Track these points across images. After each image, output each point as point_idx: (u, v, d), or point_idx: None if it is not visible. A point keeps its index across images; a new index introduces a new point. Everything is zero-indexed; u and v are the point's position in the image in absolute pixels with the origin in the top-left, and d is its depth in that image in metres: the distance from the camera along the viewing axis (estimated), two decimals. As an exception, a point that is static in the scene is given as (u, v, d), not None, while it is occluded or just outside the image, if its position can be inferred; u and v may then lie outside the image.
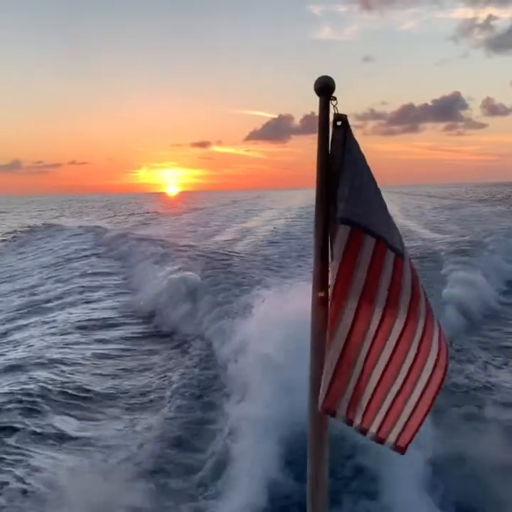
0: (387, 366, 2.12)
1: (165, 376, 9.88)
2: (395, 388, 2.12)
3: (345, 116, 2.14)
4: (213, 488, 6.06)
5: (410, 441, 2.17)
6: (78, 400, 8.73)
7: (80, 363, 10.39)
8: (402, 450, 2.16)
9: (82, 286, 18.42)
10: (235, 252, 23.47)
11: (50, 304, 15.98)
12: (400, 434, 2.14)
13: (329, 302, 2.07)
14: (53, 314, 14.57)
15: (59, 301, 16.24)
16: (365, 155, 2.16)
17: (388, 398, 2.12)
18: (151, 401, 8.77)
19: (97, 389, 9.23)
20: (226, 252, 22.92)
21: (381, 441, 2.15)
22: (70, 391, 9.03)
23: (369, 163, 2.17)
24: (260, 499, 5.55)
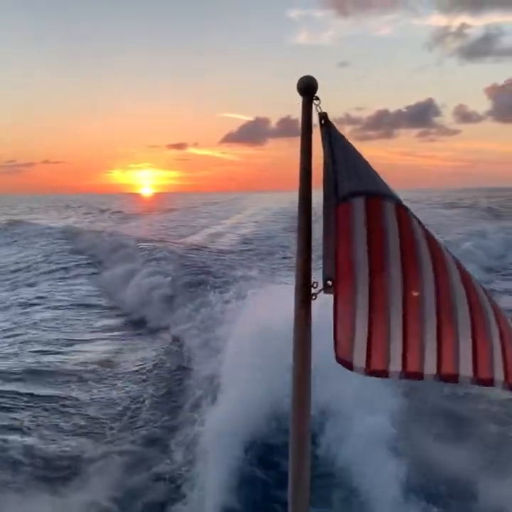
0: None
1: (139, 377, 9.82)
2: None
3: (325, 113, 2.14)
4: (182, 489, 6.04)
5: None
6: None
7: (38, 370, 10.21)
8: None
9: (50, 285, 18.26)
10: (208, 251, 23.47)
11: (16, 304, 15.77)
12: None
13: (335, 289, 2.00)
14: (18, 315, 14.34)
15: (23, 302, 16.02)
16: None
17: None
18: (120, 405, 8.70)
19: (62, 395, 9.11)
20: (198, 252, 22.89)
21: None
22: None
23: None
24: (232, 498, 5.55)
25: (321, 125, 2.14)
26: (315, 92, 2.14)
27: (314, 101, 2.14)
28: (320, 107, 2.14)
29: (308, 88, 2.13)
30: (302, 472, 2.13)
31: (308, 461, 2.14)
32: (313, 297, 2.12)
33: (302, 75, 2.16)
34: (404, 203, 2.08)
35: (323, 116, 2.14)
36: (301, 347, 2.11)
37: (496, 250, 23.69)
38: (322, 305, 2.10)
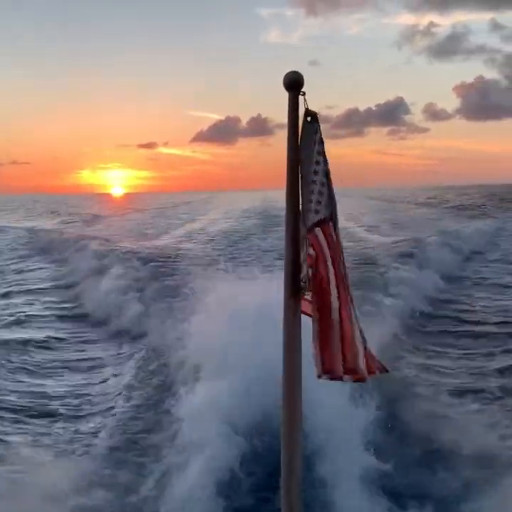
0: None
1: (112, 377, 9.76)
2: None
3: (316, 113, 2.14)
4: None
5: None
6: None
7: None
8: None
9: (18, 292, 17.93)
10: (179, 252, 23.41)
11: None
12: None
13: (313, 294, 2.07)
14: None
15: None
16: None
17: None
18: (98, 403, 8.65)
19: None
20: (169, 253, 22.78)
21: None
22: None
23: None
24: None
25: (306, 122, 2.13)
26: (301, 88, 2.14)
27: (300, 96, 2.13)
28: (307, 103, 2.14)
29: (294, 83, 2.14)
30: (294, 463, 2.15)
31: (301, 450, 2.17)
32: (303, 292, 2.14)
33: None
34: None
35: (311, 113, 2.13)
36: (292, 339, 2.14)
37: (465, 250, 24.05)
38: None
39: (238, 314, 7.75)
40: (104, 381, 9.79)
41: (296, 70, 2.16)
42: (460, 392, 8.77)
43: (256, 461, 5.97)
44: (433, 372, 9.78)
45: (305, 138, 2.14)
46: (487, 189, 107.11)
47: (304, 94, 2.14)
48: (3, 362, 10.57)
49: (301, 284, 2.13)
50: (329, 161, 2.13)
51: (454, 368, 10.03)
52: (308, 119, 2.13)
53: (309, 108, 2.13)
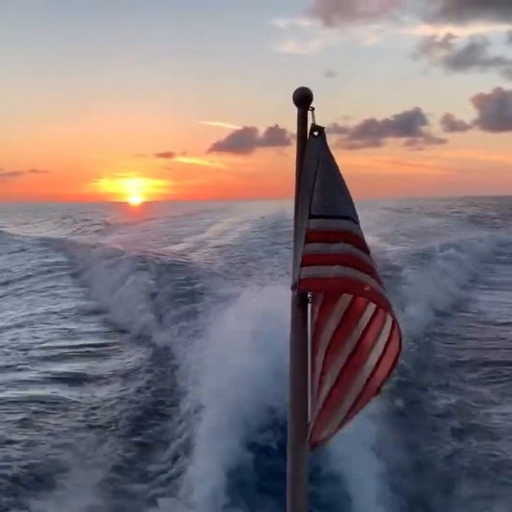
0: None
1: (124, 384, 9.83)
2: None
3: (323, 128, 2.19)
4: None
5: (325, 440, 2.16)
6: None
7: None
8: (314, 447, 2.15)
9: (43, 300, 18.00)
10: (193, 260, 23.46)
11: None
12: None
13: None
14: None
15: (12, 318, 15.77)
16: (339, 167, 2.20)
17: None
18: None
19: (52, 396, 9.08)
20: (185, 260, 22.83)
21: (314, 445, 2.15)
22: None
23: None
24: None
25: (313, 137, 2.19)
26: (310, 103, 2.20)
27: (309, 111, 2.20)
28: (314, 118, 2.19)
29: (303, 99, 2.19)
30: (300, 467, 2.20)
31: (306, 456, 2.21)
32: (310, 300, 2.20)
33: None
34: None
35: (317, 128, 2.19)
36: (298, 346, 2.20)
37: (480, 258, 23.88)
38: None
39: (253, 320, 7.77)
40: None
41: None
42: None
43: (262, 458, 6.10)
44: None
45: (310, 152, 2.20)
46: (503, 200, 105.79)
47: (312, 109, 2.20)
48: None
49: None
50: (343, 170, 2.18)
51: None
52: (315, 134, 2.19)
53: (316, 121, 2.18)
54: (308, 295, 2.18)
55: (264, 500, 5.82)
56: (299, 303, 2.20)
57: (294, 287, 2.15)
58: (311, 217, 2.13)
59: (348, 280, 2.03)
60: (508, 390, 9.21)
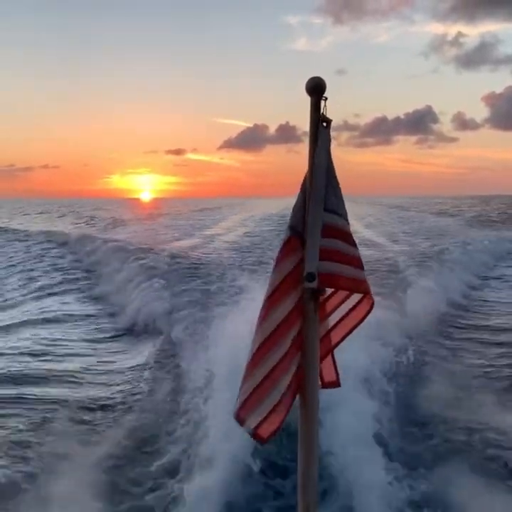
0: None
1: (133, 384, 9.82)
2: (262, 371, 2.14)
3: (331, 120, 2.19)
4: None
5: (273, 433, 2.16)
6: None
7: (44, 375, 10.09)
8: (261, 439, 2.15)
9: (41, 291, 18.10)
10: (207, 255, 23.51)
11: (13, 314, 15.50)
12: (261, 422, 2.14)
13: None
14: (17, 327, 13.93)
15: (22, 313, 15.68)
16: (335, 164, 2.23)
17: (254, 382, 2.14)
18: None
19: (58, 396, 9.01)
20: (198, 256, 22.88)
21: (239, 421, 2.15)
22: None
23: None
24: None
25: (323, 126, 2.18)
26: (323, 93, 2.17)
27: (322, 101, 2.17)
28: (326, 109, 2.18)
29: (316, 88, 2.17)
30: (311, 469, 2.18)
31: (317, 459, 2.19)
32: (322, 292, 2.20)
33: (305, 81, 2.19)
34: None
35: (327, 120, 2.18)
36: (310, 340, 2.17)
37: (491, 258, 23.81)
38: None
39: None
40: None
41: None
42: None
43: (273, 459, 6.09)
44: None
45: (320, 142, 2.18)
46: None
47: (325, 99, 2.17)
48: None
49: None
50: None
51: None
52: (324, 124, 2.18)
53: (327, 115, 2.18)
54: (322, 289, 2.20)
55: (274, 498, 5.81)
56: (312, 295, 2.17)
57: (310, 278, 2.12)
58: (326, 210, 2.16)
59: (358, 281, 2.22)
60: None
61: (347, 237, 2.20)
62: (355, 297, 2.35)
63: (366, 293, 2.29)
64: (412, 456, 6.62)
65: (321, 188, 2.16)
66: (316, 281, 2.11)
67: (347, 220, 2.22)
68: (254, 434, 2.14)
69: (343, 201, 2.23)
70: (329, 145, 2.19)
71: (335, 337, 2.39)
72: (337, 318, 2.38)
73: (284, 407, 2.13)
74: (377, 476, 5.81)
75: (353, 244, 2.22)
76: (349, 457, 5.89)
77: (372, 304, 2.35)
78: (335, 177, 2.21)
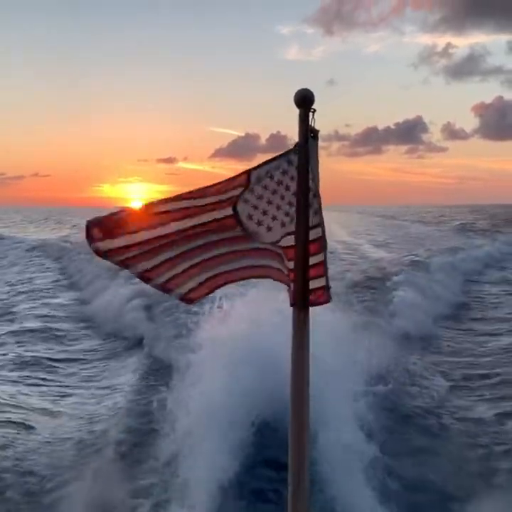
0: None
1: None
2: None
3: (318, 131, 2.22)
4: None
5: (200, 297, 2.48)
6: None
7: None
8: (189, 301, 2.47)
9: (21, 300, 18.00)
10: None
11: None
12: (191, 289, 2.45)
13: None
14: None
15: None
16: (326, 174, 2.28)
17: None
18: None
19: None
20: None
21: (167, 290, 2.42)
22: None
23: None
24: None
25: (311, 137, 2.21)
26: (312, 104, 2.19)
27: (310, 113, 2.20)
28: (314, 120, 2.20)
29: (304, 100, 2.19)
30: (301, 470, 2.20)
31: (308, 455, 2.21)
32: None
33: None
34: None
35: (314, 131, 2.21)
36: (300, 348, 2.20)
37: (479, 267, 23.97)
38: None
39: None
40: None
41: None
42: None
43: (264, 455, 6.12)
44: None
45: (310, 152, 2.21)
46: (505, 209, 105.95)
47: (314, 111, 2.19)
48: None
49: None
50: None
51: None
52: (312, 135, 2.21)
53: (316, 126, 2.22)
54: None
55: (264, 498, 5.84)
56: (302, 309, 2.23)
57: (299, 304, 2.24)
58: (311, 227, 2.23)
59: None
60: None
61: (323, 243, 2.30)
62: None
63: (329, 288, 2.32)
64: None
65: (306, 210, 2.22)
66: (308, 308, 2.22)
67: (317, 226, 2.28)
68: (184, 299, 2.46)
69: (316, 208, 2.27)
70: (315, 156, 2.23)
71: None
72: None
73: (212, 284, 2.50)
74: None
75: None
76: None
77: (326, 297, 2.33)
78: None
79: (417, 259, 21.92)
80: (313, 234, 2.22)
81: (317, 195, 2.23)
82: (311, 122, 2.19)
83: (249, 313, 7.85)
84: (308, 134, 2.19)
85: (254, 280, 2.72)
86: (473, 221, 55.77)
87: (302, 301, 2.21)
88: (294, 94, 2.20)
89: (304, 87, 2.20)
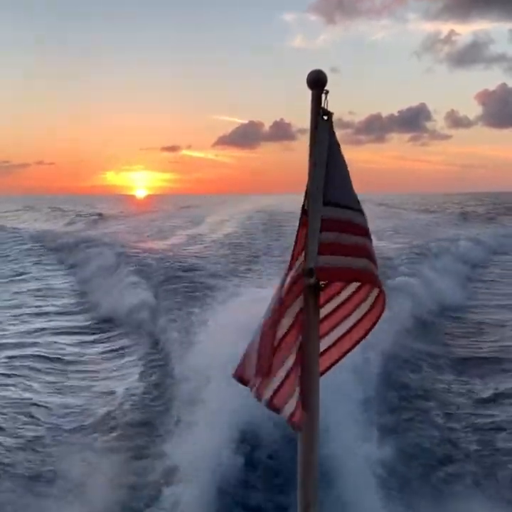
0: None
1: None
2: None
3: (332, 113, 2.16)
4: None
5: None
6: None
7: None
8: (296, 426, 2.10)
9: (34, 296, 17.89)
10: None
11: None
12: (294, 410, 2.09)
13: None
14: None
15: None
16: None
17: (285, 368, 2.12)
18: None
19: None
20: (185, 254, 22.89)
21: (275, 409, 2.10)
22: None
23: None
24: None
25: (322, 119, 2.15)
26: (324, 86, 2.14)
27: (323, 95, 2.14)
28: (327, 102, 2.15)
29: (317, 81, 2.14)
30: (312, 461, 2.18)
31: (317, 453, 2.18)
32: (322, 285, 2.20)
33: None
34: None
35: (327, 113, 2.15)
36: (311, 333, 2.17)
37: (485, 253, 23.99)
38: None
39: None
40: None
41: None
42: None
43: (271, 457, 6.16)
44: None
45: (319, 136, 2.17)
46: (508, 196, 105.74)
47: (326, 92, 2.15)
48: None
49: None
50: (349, 165, 2.18)
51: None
52: (325, 117, 2.15)
53: (327, 108, 2.15)
54: (321, 283, 2.19)
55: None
56: (312, 290, 2.16)
57: (309, 274, 2.13)
58: (325, 204, 2.14)
59: (361, 272, 2.16)
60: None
61: (350, 227, 2.15)
62: (363, 292, 2.28)
63: (372, 282, 2.21)
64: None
65: (320, 183, 2.15)
66: (314, 277, 2.11)
67: (356, 209, 2.18)
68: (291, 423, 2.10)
69: (349, 190, 2.19)
70: (334, 137, 2.17)
71: (346, 342, 2.32)
72: (347, 326, 2.31)
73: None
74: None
75: (360, 233, 2.17)
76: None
77: (383, 297, 2.26)
78: (341, 167, 2.18)
79: (418, 249, 21.96)
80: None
81: (339, 175, 2.17)
82: (324, 104, 2.16)
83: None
84: (321, 116, 2.15)
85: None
86: (475, 210, 55.88)
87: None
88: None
89: (314, 69, 2.15)
